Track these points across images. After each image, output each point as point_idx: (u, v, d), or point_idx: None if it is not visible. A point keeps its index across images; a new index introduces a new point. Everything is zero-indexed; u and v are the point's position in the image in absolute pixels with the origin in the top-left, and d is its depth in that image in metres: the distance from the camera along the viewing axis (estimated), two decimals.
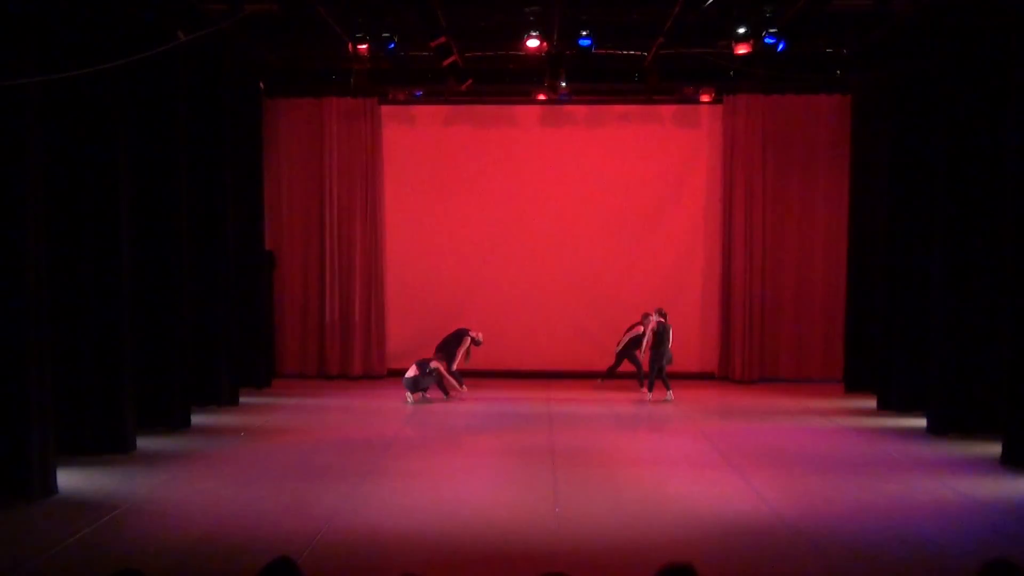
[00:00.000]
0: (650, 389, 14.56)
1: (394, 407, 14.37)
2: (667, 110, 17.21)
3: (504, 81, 16.21)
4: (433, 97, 17.11)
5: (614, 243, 17.20)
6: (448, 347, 15.15)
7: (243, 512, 8.48)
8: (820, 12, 12.50)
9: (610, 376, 15.66)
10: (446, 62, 14.52)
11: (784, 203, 16.97)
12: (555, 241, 17.21)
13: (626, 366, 15.54)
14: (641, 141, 17.21)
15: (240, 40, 14.15)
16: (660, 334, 14.38)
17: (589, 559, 7.18)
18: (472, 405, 14.33)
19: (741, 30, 12.88)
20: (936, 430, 11.92)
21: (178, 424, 12.12)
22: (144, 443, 11.05)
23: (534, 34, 13.34)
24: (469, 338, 15.20)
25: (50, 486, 8.90)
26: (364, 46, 13.54)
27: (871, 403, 14.14)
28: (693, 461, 10.72)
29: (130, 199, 10.96)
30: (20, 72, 8.53)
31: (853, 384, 15.55)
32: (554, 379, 16.26)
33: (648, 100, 16.98)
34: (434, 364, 14.53)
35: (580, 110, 17.24)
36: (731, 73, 15.79)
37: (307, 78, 16.43)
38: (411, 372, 14.51)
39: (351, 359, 17.13)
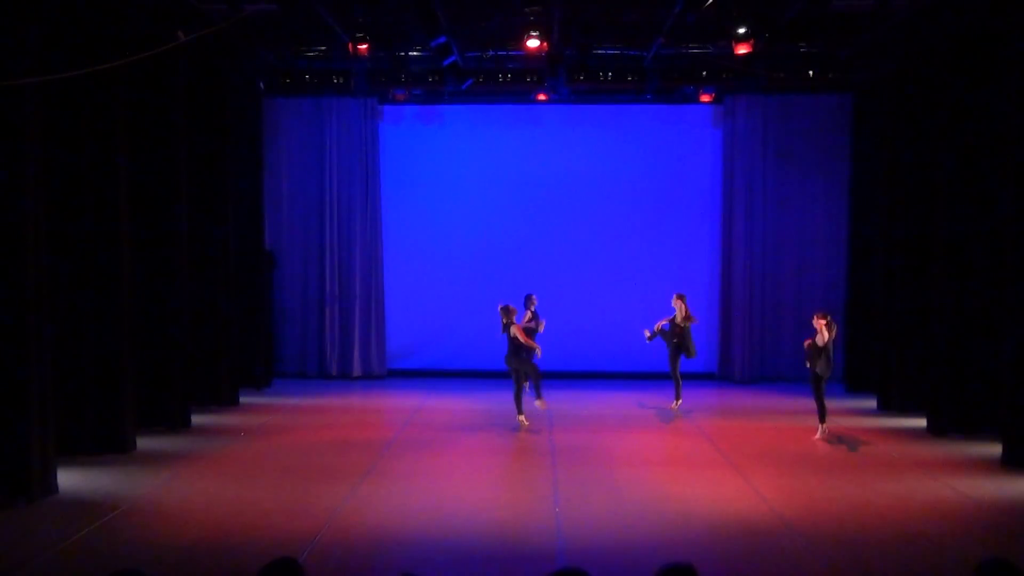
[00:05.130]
0: (822, 420, 11.89)
1: (394, 407, 14.37)
2: (667, 110, 17.20)
3: (504, 81, 16.21)
4: (433, 97, 17.11)
5: (613, 243, 17.20)
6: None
7: (243, 512, 8.48)
8: (820, 12, 12.50)
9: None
10: (446, 62, 14.53)
11: (784, 203, 16.97)
12: (554, 241, 17.21)
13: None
14: (641, 141, 17.22)
15: (240, 40, 14.15)
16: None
17: (589, 559, 7.16)
18: (472, 405, 14.32)
19: (741, 30, 12.89)
20: (936, 430, 11.92)
21: (178, 424, 12.12)
22: (144, 443, 11.06)
23: (534, 34, 13.33)
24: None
25: (50, 486, 8.91)
26: (364, 46, 13.55)
27: (871, 403, 14.15)
28: (693, 461, 10.73)
29: (130, 199, 10.96)
30: (20, 72, 8.53)
31: (853, 384, 15.57)
32: (554, 379, 16.23)
33: (648, 100, 16.98)
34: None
35: (580, 110, 17.24)
36: (731, 73, 15.80)
37: (307, 78, 16.42)
38: None
39: (351, 359, 17.13)
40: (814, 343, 11.63)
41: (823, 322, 11.57)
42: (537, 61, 15.20)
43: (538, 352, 13.51)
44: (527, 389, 13.41)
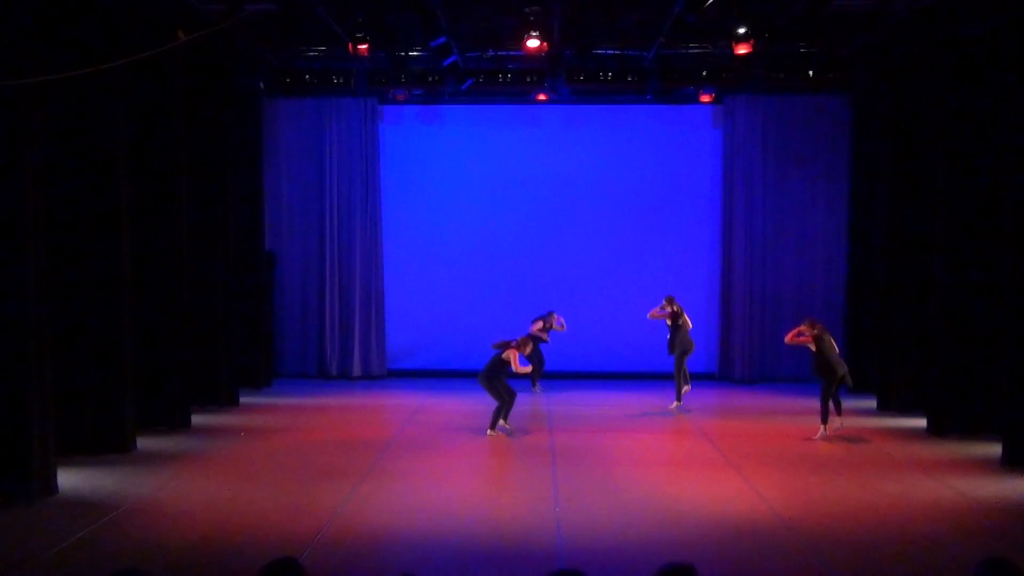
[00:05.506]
0: (836, 414, 12.01)
1: (394, 407, 14.37)
2: (667, 110, 17.19)
3: (504, 81, 16.21)
4: (433, 97, 17.11)
5: (613, 243, 17.18)
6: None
7: (243, 512, 8.48)
8: (820, 12, 12.50)
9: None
10: (446, 62, 14.54)
11: (784, 203, 16.95)
12: (554, 242, 17.19)
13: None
14: (641, 141, 17.21)
15: (240, 40, 14.15)
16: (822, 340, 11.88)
17: (589, 559, 7.17)
18: (472, 405, 14.31)
19: (741, 30, 12.89)
20: (936, 430, 11.92)
21: (178, 424, 12.12)
22: (144, 443, 11.05)
23: (534, 34, 13.34)
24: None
25: (50, 486, 8.91)
26: (364, 46, 13.54)
27: (871, 403, 14.15)
28: (693, 461, 10.73)
29: (130, 199, 10.96)
30: (20, 72, 8.53)
31: (853, 384, 15.53)
32: (555, 379, 16.23)
33: (648, 100, 16.97)
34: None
35: (580, 110, 17.23)
36: (731, 73, 15.80)
37: (307, 78, 16.42)
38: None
39: (351, 359, 17.11)
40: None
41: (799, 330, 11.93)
42: (537, 61, 15.21)
43: (524, 370, 13.17)
44: (534, 391, 13.45)
